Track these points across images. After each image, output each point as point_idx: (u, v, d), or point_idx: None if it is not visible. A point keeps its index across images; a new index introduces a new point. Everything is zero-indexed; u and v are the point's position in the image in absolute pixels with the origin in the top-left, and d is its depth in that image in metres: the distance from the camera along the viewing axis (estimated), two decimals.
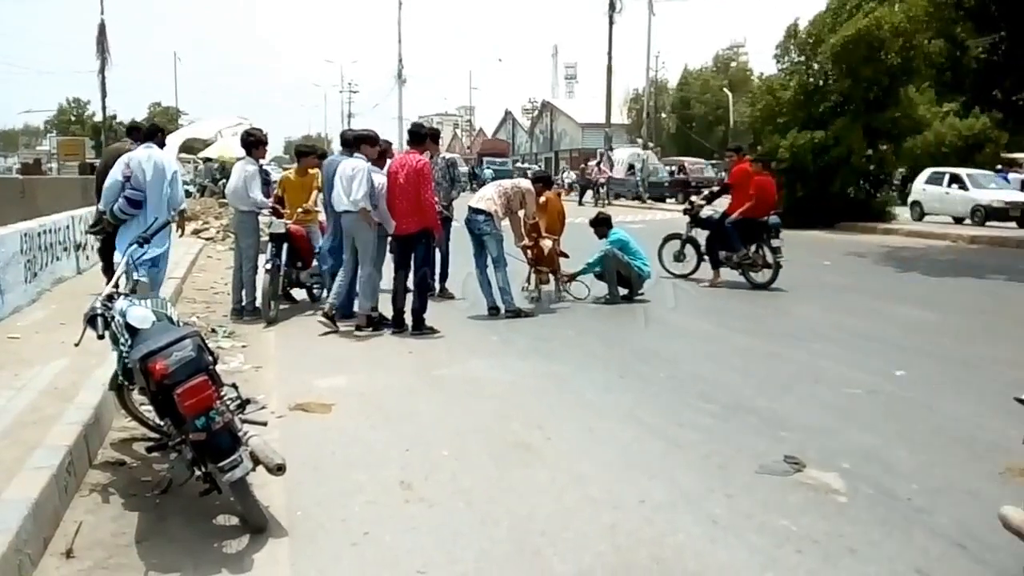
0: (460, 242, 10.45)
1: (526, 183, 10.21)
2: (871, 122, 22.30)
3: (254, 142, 9.55)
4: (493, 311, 9.50)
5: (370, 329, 8.64)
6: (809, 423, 5.71)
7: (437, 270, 10.20)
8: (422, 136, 8.98)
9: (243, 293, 9.48)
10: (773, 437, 5.37)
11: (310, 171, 10.16)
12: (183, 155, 27.06)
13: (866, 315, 9.97)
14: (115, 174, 7.85)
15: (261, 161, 9.73)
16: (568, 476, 4.72)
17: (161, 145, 8.41)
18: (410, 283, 8.76)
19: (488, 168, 49.77)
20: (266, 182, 9.67)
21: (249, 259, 9.48)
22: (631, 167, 40.59)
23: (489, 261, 9.55)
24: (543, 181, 10.85)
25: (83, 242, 11.98)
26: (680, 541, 3.90)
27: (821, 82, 23.22)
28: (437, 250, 9.56)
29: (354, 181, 8.45)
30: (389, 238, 8.80)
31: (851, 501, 4.37)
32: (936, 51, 20.47)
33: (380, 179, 8.66)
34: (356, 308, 8.81)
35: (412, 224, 8.49)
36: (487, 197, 9.67)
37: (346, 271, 8.83)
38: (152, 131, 8.50)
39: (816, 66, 23.31)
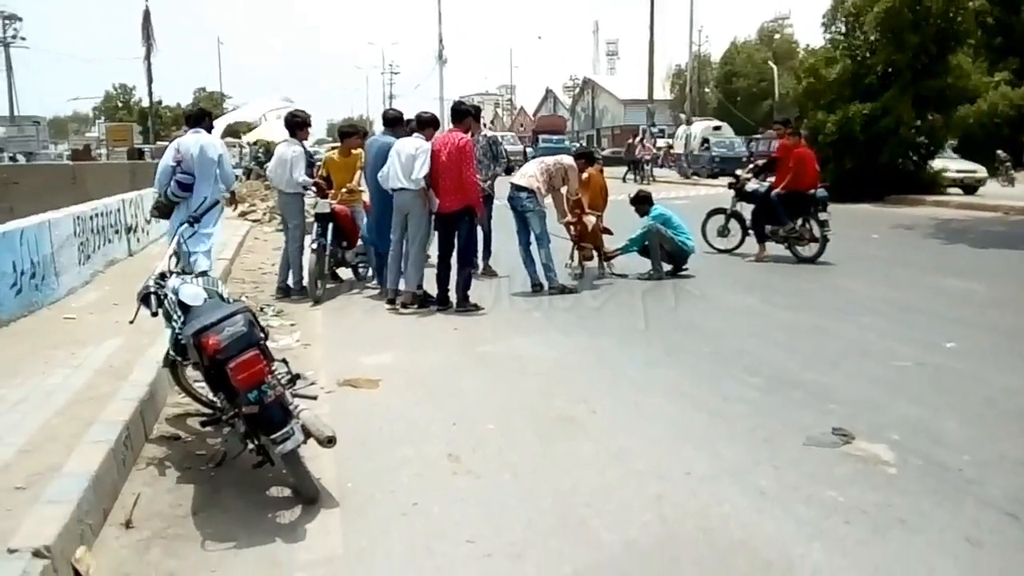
0: (503, 219, 10.48)
1: (568, 159, 10.17)
2: (920, 91, 21.77)
3: (299, 123, 9.69)
4: (536, 288, 9.52)
5: (415, 307, 8.72)
6: (857, 396, 5.65)
7: (480, 248, 10.22)
8: (464, 113, 9.00)
9: (289, 273, 9.61)
10: (820, 410, 5.34)
11: (353, 151, 10.23)
12: (228, 139, 27.41)
13: (914, 288, 9.83)
14: (167, 159, 8.10)
15: (305, 143, 9.82)
16: (613, 449, 4.75)
17: (209, 129, 8.59)
18: (454, 260, 8.80)
19: (532, 146, 48.67)
20: (310, 164, 9.77)
21: (295, 239, 9.60)
22: (705, 142, 38.75)
23: (532, 238, 9.56)
24: (585, 157, 10.82)
25: (134, 225, 12.22)
26: (726, 512, 3.91)
27: (868, 53, 22.71)
28: (480, 228, 9.58)
29: (416, 160, 8.50)
30: (433, 216, 8.84)
31: (900, 472, 4.34)
32: (986, 12, 19.84)
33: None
34: (403, 286, 8.89)
35: (455, 202, 8.53)
36: (529, 174, 9.67)
37: (396, 249, 8.90)
38: (200, 116, 8.67)
39: (862, 36, 22.79)
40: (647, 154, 36.00)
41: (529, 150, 44.12)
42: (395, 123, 9.61)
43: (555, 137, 52.55)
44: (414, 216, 8.68)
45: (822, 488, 4.13)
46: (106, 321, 7.19)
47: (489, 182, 10.53)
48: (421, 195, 8.60)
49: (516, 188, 9.59)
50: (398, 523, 3.86)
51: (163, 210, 8.26)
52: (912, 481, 4.22)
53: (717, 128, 42.45)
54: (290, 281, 9.62)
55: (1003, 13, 19.66)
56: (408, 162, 8.55)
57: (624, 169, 36.04)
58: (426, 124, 8.95)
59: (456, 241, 8.70)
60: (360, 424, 5.18)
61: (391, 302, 8.91)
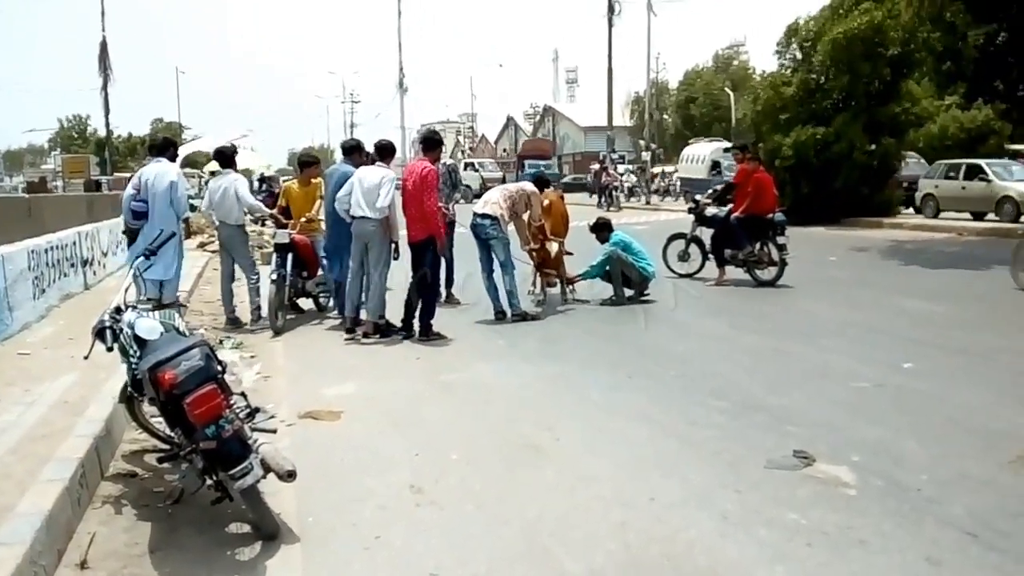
0: (464, 247, 10.47)
1: (530, 186, 10.22)
2: (874, 116, 22.25)
3: (231, 155, 9.70)
4: (499, 315, 9.51)
5: (378, 336, 8.67)
6: (818, 418, 5.70)
7: (442, 276, 10.19)
8: (437, 143, 9.09)
9: (233, 303, 9.62)
10: (782, 433, 5.37)
11: (313, 181, 10.20)
12: (187, 170, 27.22)
13: (873, 309, 9.97)
14: (128, 189, 8.09)
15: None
16: (578, 476, 4.73)
17: (173, 159, 8.57)
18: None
19: (518, 172, 46.36)
20: (271, 193, 9.73)
21: (247, 270, 9.55)
22: (715, 165, 32.63)
23: (496, 265, 9.57)
24: (541, 183, 10.85)
25: (90, 258, 12.04)
26: (691, 538, 3.91)
27: (822, 79, 23.18)
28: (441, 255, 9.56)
29: (381, 189, 8.52)
30: (394, 245, 8.83)
31: (861, 493, 4.37)
32: (935, 39, 20.37)
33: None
34: (364, 315, 8.85)
35: (420, 231, 8.54)
36: (492, 201, 9.70)
37: (354, 278, 8.87)
38: (164, 145, 8.67)
39: (816, 63, 23.25)
40: (614, 181, 35.57)
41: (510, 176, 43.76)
42: (352, 151, 9.61)
43: (542, 162, 49.14)
44: (374, 245, 8.65)
45: (784, 511, 4.15)
46: (61, 356, 7.05)
47: (452, 205, 10.57)
48: (383, 224, 8.59)
49: (480, 216, 9.60)
50: (360, 557, 3.81)
51: (130, 237, 8.27)
52: (872, 502, 4.25)
53: (728, 150, 37.16)
54: (238, 313, 9.61)
55: (951, 39, 20.17)
56: (371, 191, 8.54)
57: (597, 197, 35.66)
58: (385, 152, 9.03)
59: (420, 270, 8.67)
60: (321, 457, 5.12)
61: (349, 331, 8.84)
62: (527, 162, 49.49)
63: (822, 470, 4.70)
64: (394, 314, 8.86)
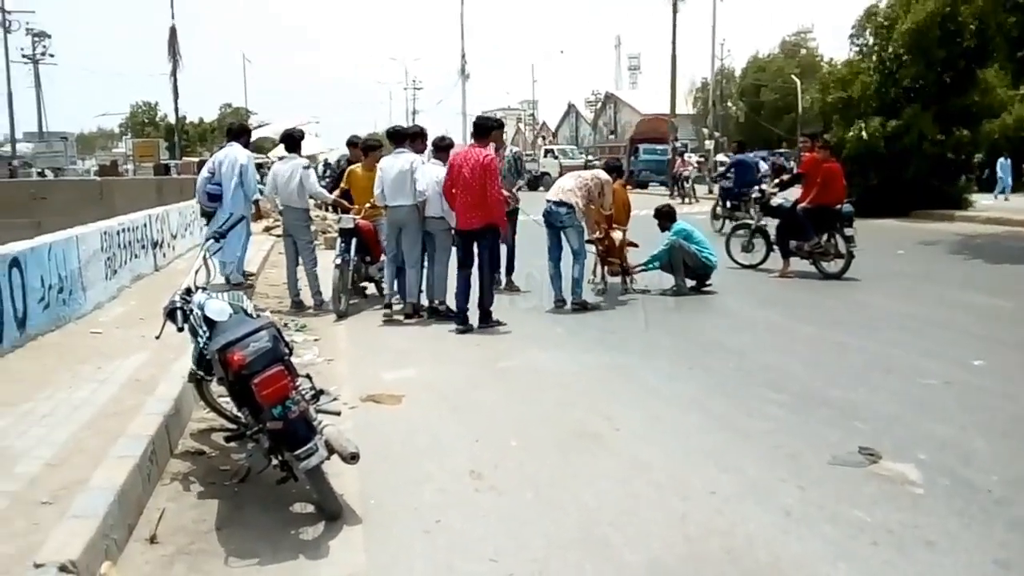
0: (526, 235, 10.47)
1: (605, 174, 10.13)
2: (947, 107, 21.58)
3: (299, 140, 9.86)
4: (559, 304, 9.49)
5: (424, 317, 8.96)
6: (883, 414, 5.60)
7: (503, 263, 10.19)
8: (488, 129, 9.01)
9: (299, 287, 9.77)
10: (846, 428, 5.29)
11: (377, 165, 10.26)
12: (255, 155, 27.70)
13: (941, 304, 9.73)
14: (203, 172, 8.34)
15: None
16: (635, 465, 4.72)
17: (246, 144, 8.77)
18: (474, 278, 8.78)
19: (631, 157, 41.05)
20: (337, 175, 9.87)
21: (306, 254, 9.67)
22: None
23: (563, 253, 9.56)
24: (615, 171, 10.78)
25: (160, 240, 12.33)
26: (751, 532, 3.87)
27: (895, 67, 22.54)
28: (503, 243, 9.57)
29: (415, 172, 8.74)
30: (453, 231, 8.88)
31: (928, 492, 4.29)
32: (1011, 24, 19.61)
33: (441, 172, 8.77)
34: (424, 300, 9.00)
35: (475, 219, 8.49)
36: (568, 188, 9.64)
37: (392, 265, 9.16)
38: (240, 131, 8.92)
39: (891, 50, 22.60)
40: (686, 169, 33.64)
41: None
42: (416, 138, 9.54)
43: (659, 147, 41.35)
44: (408, 229, 8.90)
45: (848, 508, 4.09)
46: (132, 336, 7.25)
47: (516, 191, 10.60)
48: (418, 209, 8.84)
49: (555, 204, 9.56)
50: (421, 540, 3.86)
51: (208, 220, 8.53)
52: (939, 501, 4.17)
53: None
54: (303, 296, 9.76)
55: None
56: (403, 176, 8.78)
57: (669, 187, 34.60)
58: (399, 138, 9.35)
59: (478, 258, 8.71)
60: (383, 440, 5.19)
61: (388, 307, 9.10)
62: (642, 147, 42.38)
63: (888, 467, 4.62)
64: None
